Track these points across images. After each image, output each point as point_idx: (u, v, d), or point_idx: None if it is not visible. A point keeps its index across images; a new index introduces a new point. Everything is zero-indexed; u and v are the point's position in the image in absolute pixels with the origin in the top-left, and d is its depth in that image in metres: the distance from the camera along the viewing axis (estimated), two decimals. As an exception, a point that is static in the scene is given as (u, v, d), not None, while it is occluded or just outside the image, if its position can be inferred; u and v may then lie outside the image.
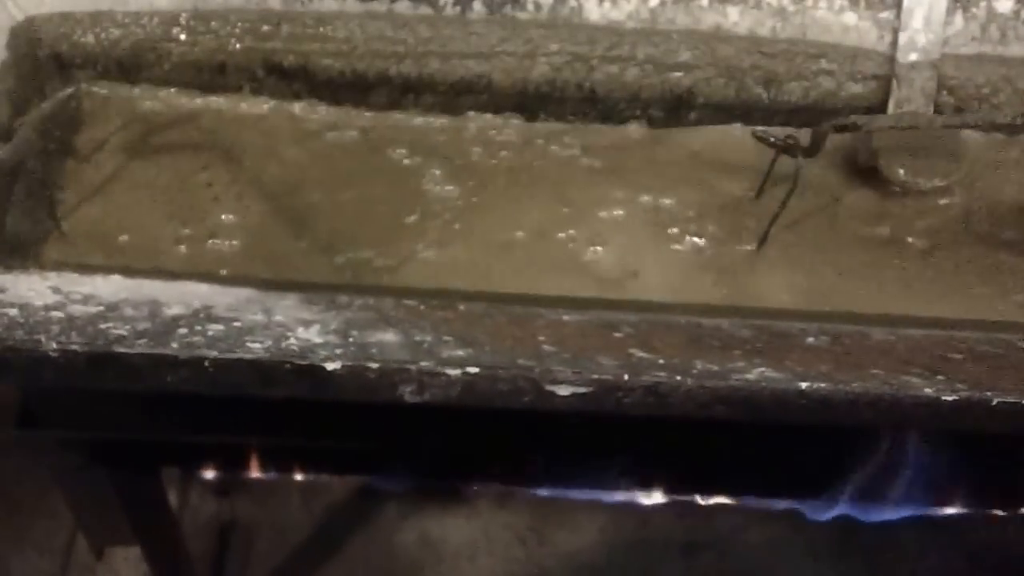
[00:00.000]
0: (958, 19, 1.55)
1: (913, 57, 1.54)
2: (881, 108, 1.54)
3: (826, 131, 1.35)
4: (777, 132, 1.37)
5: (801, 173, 1.34)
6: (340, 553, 1.99)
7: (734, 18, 1.54)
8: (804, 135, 1.37)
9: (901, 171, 1.46)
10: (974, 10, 1.55)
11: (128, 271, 1.30)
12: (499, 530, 2.03)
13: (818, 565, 2.00)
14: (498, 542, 2.01)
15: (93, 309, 1.03)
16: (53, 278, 1.15)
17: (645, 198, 1.45)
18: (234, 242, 1.36)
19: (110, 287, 1.13)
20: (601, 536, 2.02)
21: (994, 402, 0.93)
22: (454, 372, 0.92)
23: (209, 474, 1.95)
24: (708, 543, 2.02)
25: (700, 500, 1.49)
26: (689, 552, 2.00)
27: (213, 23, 1.51)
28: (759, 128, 1.40)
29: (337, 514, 2.04)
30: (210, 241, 1.36)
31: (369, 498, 2.05)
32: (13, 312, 1.01)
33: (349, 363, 0.92)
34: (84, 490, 1.41)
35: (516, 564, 1.99)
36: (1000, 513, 1.31)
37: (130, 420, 1.28)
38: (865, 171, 1.52)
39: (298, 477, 1.98)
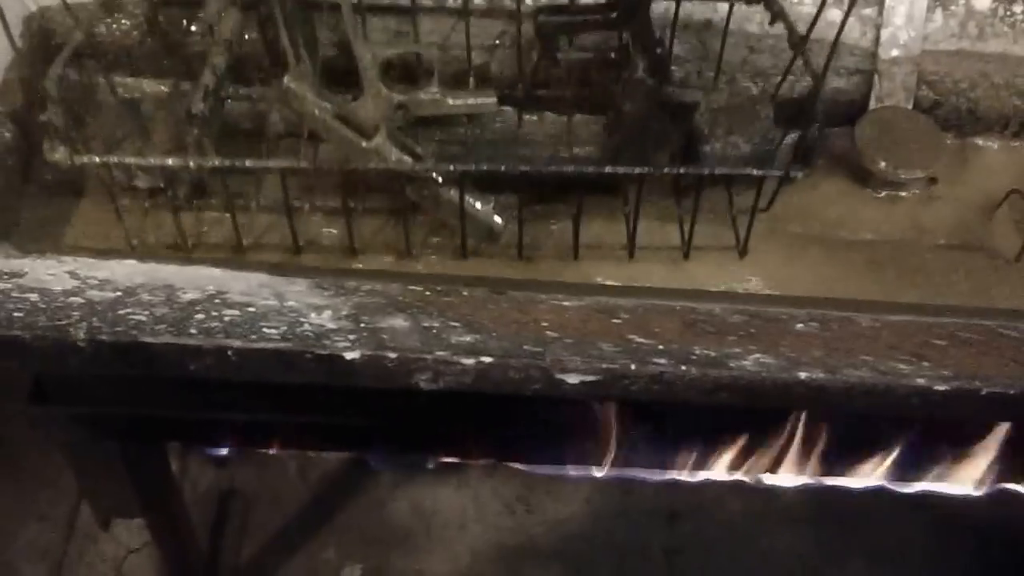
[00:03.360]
0: (938, 16, 1.56)
1: (895, 53, 1.54)
2: (863, 102, 1.55)
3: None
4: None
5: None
6: (334, 521, 1.98)
7: (723, 13, 1.54)
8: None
9: (883, 163, 1.47)
10: (953, 8, 1.56)
11: (143, 256, 1.30)
12: (488, 500, 2.02)
13: (795, 533, 2.01)
14: (488, 511, 2.01)
15: (111, 294, 1.02)
16: (70, 263, 1.14)
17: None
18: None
19: (126, 271, 1.12)
20: (587, 505, 2.02)
21: (983, 392, 0.94)
22: (468, 361, 0.92)
23: (213, 449, 1.95)
24: (691, 512, 2.02)
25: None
26: (673, 520, 2.00)
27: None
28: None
29: (331, 484, 2.03)
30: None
31: (362, 469, 2.05)
32: (34, 297, 1.00)
33: (368, 352, 0.92)
34: (92, 463, 1.40)
35: (505, 533, 1.99)
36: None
37: (138, 396, 1.27)
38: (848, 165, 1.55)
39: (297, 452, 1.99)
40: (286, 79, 1.35)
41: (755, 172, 1.36)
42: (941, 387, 0.93)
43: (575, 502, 2.04)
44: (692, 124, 1.45)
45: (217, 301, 1.03)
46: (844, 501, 1.99)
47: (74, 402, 1.25)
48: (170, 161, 1.34)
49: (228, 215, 1.42)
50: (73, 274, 1.08)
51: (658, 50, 1.42)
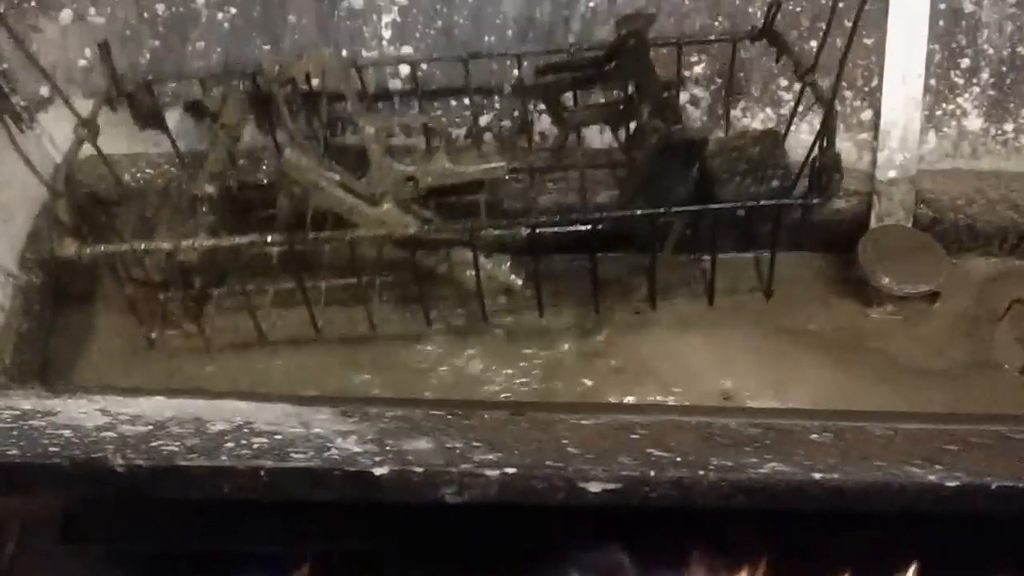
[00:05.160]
0: (931, 137, 1.61)
1: (892, 174, 1.58)
2: (864, 221, 1.59)
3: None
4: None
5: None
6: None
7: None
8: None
9: (886, 279, 1.50)
10: (945, 129, 1.61)
11: (170, 392, 1.33)
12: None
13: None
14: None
15: (143, 428, 1.05)
16: (100, 401, 1.17)
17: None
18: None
19: (155, 407, 1.14)
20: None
21: (993, 486, 0.95)
22: (492, 473, 0.94)
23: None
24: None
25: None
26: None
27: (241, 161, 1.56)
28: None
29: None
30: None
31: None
32: (67, 433, 1.02)
33: (396, 468, 0.94)
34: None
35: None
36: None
37: (166, 533, 1.28)
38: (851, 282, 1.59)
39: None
40: (287, 152, 1.36)
41: (771, 202, 1.36)
42: (952, 483, 0.94)
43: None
44: (705, 166, 1.42)
45: (246, 431, 1.05)
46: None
47: (104, 540, 1.26)
48: (178, 243, 1.34)
49: (244, 302, 1.45)
50: (104, 411, 1.11)
51: (664, 94, 1.40)
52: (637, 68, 1.39)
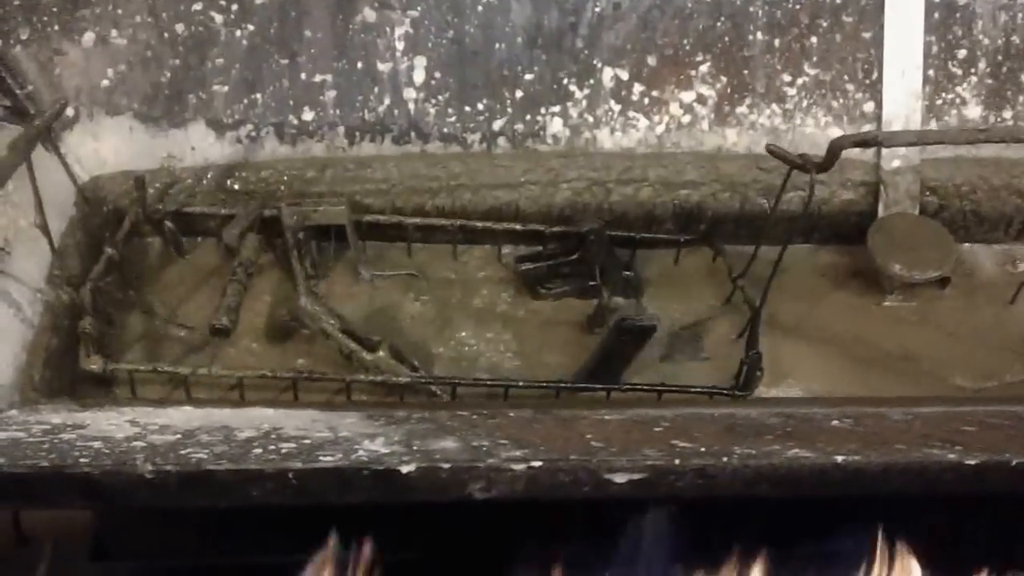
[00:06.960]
0: (933, 127, 1.58)
1: (896, 164, 1.56)
2: (872, 211, 1.56)
3: (841, 145, 1.33)
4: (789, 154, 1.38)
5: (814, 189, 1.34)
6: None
7: (733, 139, 1.57)
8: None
9: (897, 266, 1.48)
10: (946, 118, 1.58)
11: (198, 402, 1.30)
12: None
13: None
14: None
15: (171, 437, 1.02)
16: (129, 412, 1.14)
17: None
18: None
19: (183, 417, 1.12)
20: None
21: (1013, 463, 0.92)
22: (519, 467, 0.91)
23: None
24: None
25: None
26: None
27: (263, 172, 1.55)
28: (773, 144, 1.40)
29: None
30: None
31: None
32: (97, 444, 0.99)
33: (423, 465, 0.91)
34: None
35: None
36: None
37: (196, 548, 1.25)
38: (864, 270, 1.56)
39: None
40: (301, 300, 1.44)
41: (701, 389, 1.40)
42: (972, 461, 0.91)
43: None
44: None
45: (273, 436, 1.02)
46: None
47: (133, 556, 1.23)
48: (193, 370, 1.37)
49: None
50: (133, 422, 1.08)
51: (626, 272, 1.55)
52: (600, 256, 1.55)
